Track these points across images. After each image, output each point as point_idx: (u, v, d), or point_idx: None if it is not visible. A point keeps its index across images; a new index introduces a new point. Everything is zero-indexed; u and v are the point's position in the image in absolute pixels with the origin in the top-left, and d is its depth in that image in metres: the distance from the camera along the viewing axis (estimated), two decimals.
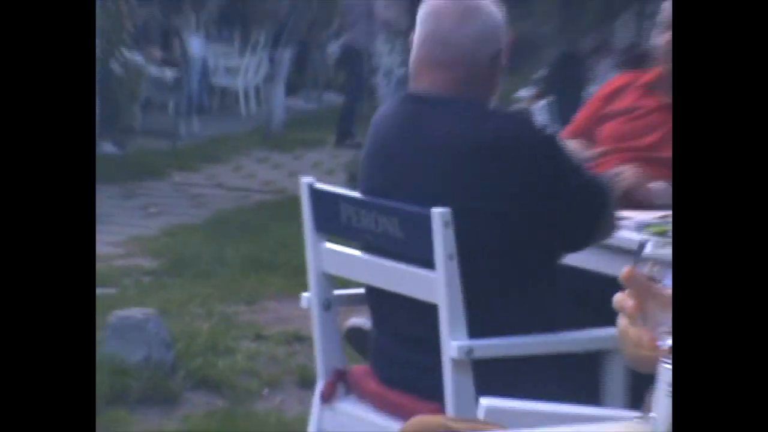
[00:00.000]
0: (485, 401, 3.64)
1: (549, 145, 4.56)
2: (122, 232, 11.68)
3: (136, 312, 7.47)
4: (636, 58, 15.19)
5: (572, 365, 4.47)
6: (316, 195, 4.68)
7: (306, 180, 4.74)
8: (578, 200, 4.54)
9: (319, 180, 13.24)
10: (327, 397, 4.78)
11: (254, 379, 7.25)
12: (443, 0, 4.56)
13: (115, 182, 14.96)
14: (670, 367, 2.03)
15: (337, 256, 4.72)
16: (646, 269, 2.35)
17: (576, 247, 4.65)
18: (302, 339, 8.04)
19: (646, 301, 2.39)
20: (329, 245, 4.74)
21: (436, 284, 4.24)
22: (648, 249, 2.81)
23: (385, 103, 4.71)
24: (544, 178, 4.45)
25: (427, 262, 4.25)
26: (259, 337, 8.29)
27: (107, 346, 7.09)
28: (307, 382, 7.16)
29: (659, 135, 5.40)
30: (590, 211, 4.58)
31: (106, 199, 13.54)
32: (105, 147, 15.88)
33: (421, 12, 4.57)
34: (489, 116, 4.58)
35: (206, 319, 8.71)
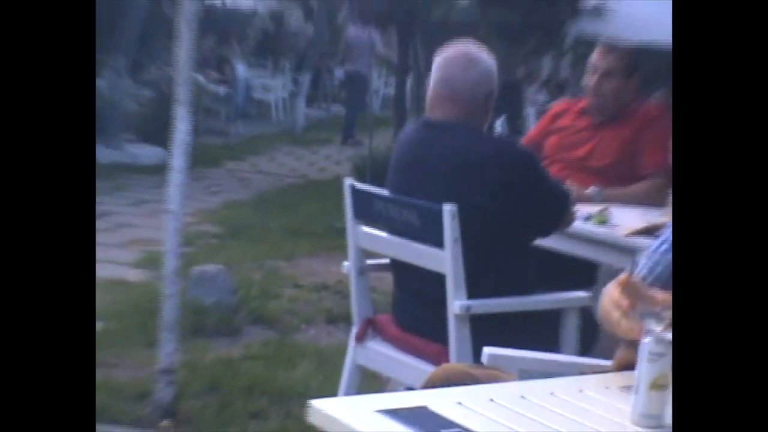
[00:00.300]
0: (487, 350, 3.55)
1: (525, 160, 4.57)
2: (193, 206, 11.64)
3: (210, 267, 7.61)
4: (555, 87, 15.04)
5: (540, 321, 4.49)
6: (355, 192, 4.67)
7: (348, 181, 4.76)
8: (547, 200, 4.60)
9: (327, 169, 13.36)
10: (360, 338, 4.78)
11: (294, 318, 7.31)
12: (452, 52, 4.56)
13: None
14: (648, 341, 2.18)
15: (369, 237, 4.72)
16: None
17: (545, 234, 4.69)
18: (328, 287, 8.20)
19: (637, 302, 2.63)
20: (364, 228, 4.72)
21: (444, 259, 4.22)
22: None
23: (408, 126, 4.74)
24: (522, 184, 4.46)
25: (438, 243, 4.22)
26: (296, 285, 8.31)
27: (190, 293, 7.06)
28: (333, 320, 7.35)
29: (589, 148, 5.44)
30: (555, 209, 4.62)
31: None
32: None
33: (437, 60, 4.60)
34: (482, 138, 4.64)
35: (257, 272, 8.68)
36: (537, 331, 4.39)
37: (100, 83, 15.10)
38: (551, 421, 2.30)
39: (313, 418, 2.42)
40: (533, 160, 4.61)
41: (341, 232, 9.49)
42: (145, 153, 14.80)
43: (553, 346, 4.35)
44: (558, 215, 4.61)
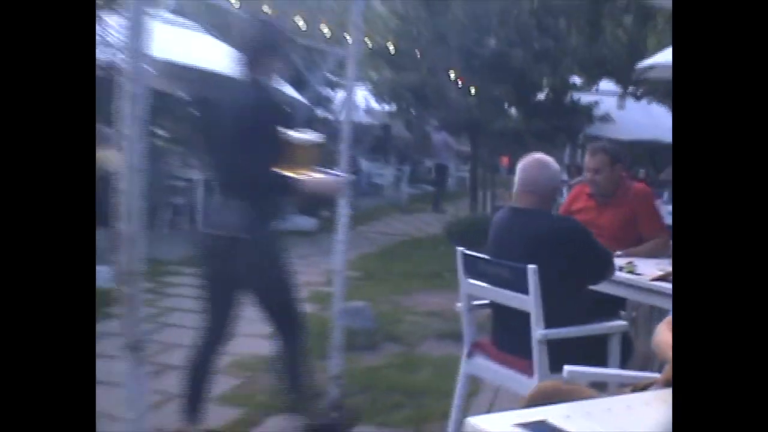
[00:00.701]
0: (567, 368, 3.56)
1: (582, 233, 4.54)
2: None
3: (356, 302, 7.45)
4: (575, 169, 14.84)
5: (594, 342, 4.42)
6: (465, 256, 4.69)
7: (459, 249, 4.72)
8: (596, 260, 4.58)
9: (424, 230, 12.95)
10: (469, 356, 4.74)
11: (414, 336, 7.29)
12: (531, 159, 4.60)
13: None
14: None
15: (475, 286, 4.66)
16: None
17: (596, 283, 4.73)
18: (436, 314, 8.12)
19: None
20: (471, 280, 4.66)
21: (528, 302, 4.20)
22: None
23: (500, 211, 4.73)
24: (580, 249, 4.46)
25: (524, 291, 4.20)
26: (413, 313, 8.22)
27: (344, 321, 7.04)
28: (442, 337, 7.23)
29: (598, 224, 5.35)
30: (602, 266, 4.61)
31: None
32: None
33: (520, 164, 4.62)
34: (553, 219, 4.66)
35: (387, 304, 8.53)
36: (592, 350, 4.37)
37: None
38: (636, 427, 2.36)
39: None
40: (587, 232, 4.56)
41: (439, 274, 9.56)
42: (304, 222, 14.65)
43: (602, 362, 4.34)
44: (604, 269, 4.61)
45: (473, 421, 2.45)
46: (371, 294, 8.85)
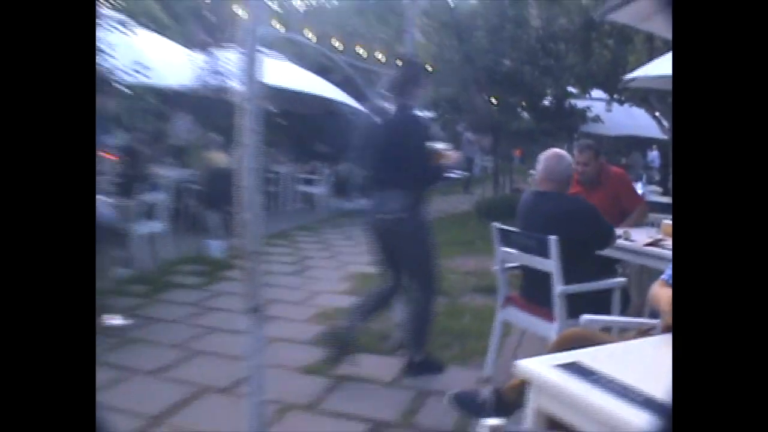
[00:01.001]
0: (585, 317, 3.51)
1: (590, 210, 4.42)
2: None
3: None
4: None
5: (601, 296, 4.30)
6: (499, 229, 4.57)
7: (494, 224, 4.63)
8: (602, 231, 4.47)
9: (459, 207, 12.60)
10: (503, 306, 4.66)
11: (457, 290, 7.13)
12: (550, 153, 4.53)
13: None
14: None
15: (507, 252, 4.57)
16: None
17: (602, 249, 4.59)
18: (472, 273, 7.94)
19: None
20: (504, 248, 4.57)
21: (551, 265, 4.13)
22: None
23: (525, 194, 4.62)
24: (589, 224, 4.37)
25: (546, 256, 4.13)
26: (455, 272, 7.94)
27: None
28: (478, 291, 7.09)
29: (593, 201, 5.00)
30: (607, 235, 4.50)
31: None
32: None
33: (541, 156, 4.53)
34: (568, 200, 4.51)
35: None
36: (599, 301, 4.24)
37: None
38: (651, 367, 2.29)
39: (517, 371, 2.38)
40: (594, 209, 4.44)
41: (472, 242, 9.38)
42: (362, 204, 14.58)
43: (607, 310, 4.25)
44: (609, 238, 4.52)
45: (522, 363, 2.39)
46: None
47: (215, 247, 8.24)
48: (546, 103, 13.79)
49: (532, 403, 2.38)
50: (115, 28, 6.42)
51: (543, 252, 4.20)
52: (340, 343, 4.15)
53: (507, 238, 4.54)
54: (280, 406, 3.99)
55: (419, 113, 4.86)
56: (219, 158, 10.34)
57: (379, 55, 15.11)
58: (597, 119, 13.82)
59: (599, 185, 5.74)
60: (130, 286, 6.57)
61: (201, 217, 10.02)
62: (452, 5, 14.51)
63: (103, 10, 6.19)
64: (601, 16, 6.09)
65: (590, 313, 3.98)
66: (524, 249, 4.41)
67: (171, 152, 11.64)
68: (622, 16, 5.33)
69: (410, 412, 4.08)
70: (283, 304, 6.31)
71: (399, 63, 5.23)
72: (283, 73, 12.18)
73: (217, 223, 9.26)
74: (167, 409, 3.87)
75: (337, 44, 14.58)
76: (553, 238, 4.11)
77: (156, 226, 7.72)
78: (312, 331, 5.51)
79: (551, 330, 4.18)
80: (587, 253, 4.47)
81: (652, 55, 10.76)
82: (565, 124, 14.12)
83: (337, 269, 8.16)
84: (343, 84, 14.42)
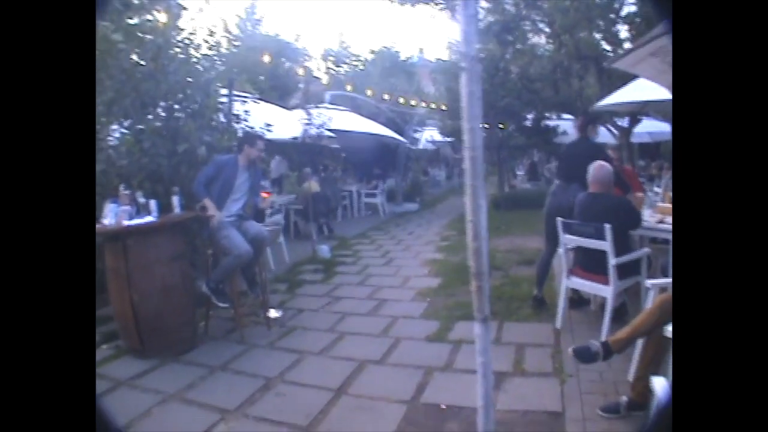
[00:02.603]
0: (649, 281, 3.33)
1: (627, 203, 4.24)
2: (449, 218, 11.27)
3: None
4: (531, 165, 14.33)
5: (634, 263, 4.14)
6: (562, 222, 4.30)
7: (559, 219, 4.35)
8: (635, 217, 4.20)
9: None
10: (567, 276, 4.40)
11: (506, 265, 6.73)
12: (597, 164, 4.28)
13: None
14: None
15: (569, 239, 4.30)
16: None
17: (634, 230, 4.33)
18: (511, 251, 7.54)
19: None
20: (566, 235, 4.31)
21: (606, 245, 3.93)
22: None
23: (581, 194, 4.37)
24: (628, 213, 4.15)
25: (603, 239, 3.93)
26: (498, 251, 7.51)
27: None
28: (520, 264, 6.73)
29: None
30: (638, 220, 4.22)
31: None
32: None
33: (591, 168, 4.27)
34: (611, 198, 4.24)
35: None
36: (633, 267, 4.14)
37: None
38: None
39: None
40: (629, 203, 4.26)
41: (499, 227, 9.01)
42: (411, 206, 14.28)
43: (638, 273, 4.17)
44: (639, 222, 4.22)
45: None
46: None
47: (324, 250, 8.04)
48: (527, 123, 13.65)
49: None
50: (253, 101, 6.29)
51: (600, 236, 4.00)
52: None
53: (568, 228, 4.30)
54: (426, 370, 3.78)
55: (594, 140, 4.96)
56: (313, 186, 10.21)
57: (412, 102, 14.86)
58: (565, 133, 13.74)
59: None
60: (274, 285, 6.39)
61: (305, 228, 9.89)
62: (455, 60, 14.32)
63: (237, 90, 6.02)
64: (608, 64, 5.78)
65: (630, 275, 4.16)
66: (583, 235, 4.18)
67: (272, 183, 11.57)
68: (620, 64, 5.06)
69: (517, 362, 3.85)
70: (389, 289, 6.10)
71: (580, 116, 5.35)
72: (346, 120, 12.21)
73: (316, 232, 9.13)
74: (345, 382, 3.66)
75: (385, 95, 14.35)
76: (607, 226, 3.94)
77: (281, 239, 7.58)
78: (419, 308, 5.29)
79: (608, 291, 4.03)
80: (625, 234, 4.25)
81: (602, 89, 10.67)
82: (542, 138, 14.04)
83: (414, 258, 7.90)
84: (387, 124, 14.23)
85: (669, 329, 2.29)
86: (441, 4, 12.40)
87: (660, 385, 2.24)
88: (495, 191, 14.96)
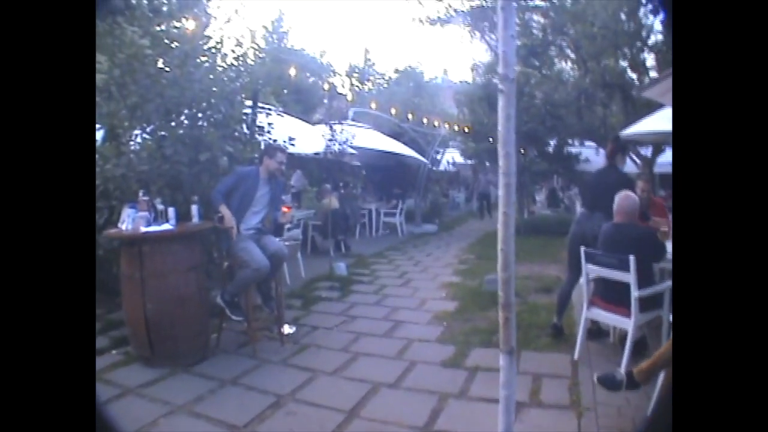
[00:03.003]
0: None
1: (652, 235, 4.18)
2: (464, 243, 11.16)
3: (491, 275, 6.77)
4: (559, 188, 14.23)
5: (661, 297, 4.02)
6: (585, 252, 4.23)
7: (583, 248, 4.28)
8: (660, 249, 4.13)
9: None
10: (588, 307, 4.30)
11: (524, 292, 6.52)
12: (623, 194, 4.20)
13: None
14: None
15: (592, 269, 4.20)
16: None
17: (657, 262, 4.26)
18: (527, 278, 7.38)
19: None
20: (589, 265, 4.21)
21: (629, 277, 3.85)
22: None
23: (606, 224, 4.28)
24: (652, 245, 4.08)
25: (627, 270, 3.85)
26: (526, 278, 7.43)
27: (488, 287, 6.60)
28: (538, 291, 6.62)
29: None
30: (662, 252, 4.14)
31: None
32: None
33: (617, 198, 4.21)
34: (637, 228, 4.17)
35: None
36: (656, 300, 4.04)
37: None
38: None
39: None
40: (654, 235, 4.18)
41: (516, 254, 8.85)
42: (429, 227, 14.16)
43: (661, 307, 4.05)
44: (663, 255, 4.14)
45: None
46: (488, 267, 8.39)
47: (341, 267, 8.00)
48: (550, 150, 13.60)
49: None
50: (276, 113, 6.30)
51: (624, 267, 3.91)
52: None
53: (591, 258, 4.22)
54: (440, 396, 3.70)
55: (623, 169, 4.94)
56: (332, 202, 10.21)
57: (435, 122, 14.85)
58: (586, 161, 13.66)
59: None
60: (289, 300, 6.34)
61: (322, 244, 9.87)
62: (480, 83, 14.35)
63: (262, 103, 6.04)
64: (638, 92, 5.73)
65: (652, 309, 4.04)
66: (606, 265, 4.09)
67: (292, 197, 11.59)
68: (649, 93, 5.01)
69: (534, 392, 3.74)
70: (405, 311, 6.03)
71: (609, 143, 5.23)
72: (368, 138, 12.21)
73: (334, 248, 9.11)
74: (358, 404, 3.58)
75: (409, 115, 14.38)
76: (632, 258, 3.84)
77: (298, 254, 7.55)
78: (435, 332, 5.19)
79: (629, 323, 3.94)
80: (649, 266, 4.16)
81: (626, 118, 10.57)
82: (564, 165, 13.99)
83: (431, 280, 7.80)
84: (409, 143, 14.23)
85: None
86: (470, 24, 12.45)
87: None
88: (517, 215, 14.89)
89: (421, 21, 12.67)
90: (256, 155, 5.07)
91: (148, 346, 4.06)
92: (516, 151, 7.50)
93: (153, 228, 4.12)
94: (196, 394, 3.65)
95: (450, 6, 12.69)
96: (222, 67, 4.91)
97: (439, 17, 12.76)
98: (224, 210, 4.41)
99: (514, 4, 1.90)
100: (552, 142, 13.51)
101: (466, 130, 14.87)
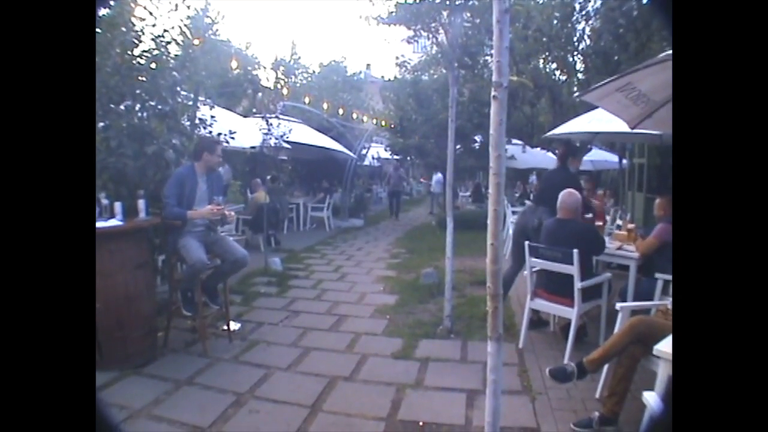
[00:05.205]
0: (619, 304, 3.50)
1: (594, 230, 4.51)
2: (391, 238, 11.27)
3: (428, 269, 6.98)
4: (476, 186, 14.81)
5: (599, 288, 4.33)
6: (529, 245, 4.46)
7: (526, 242, 4.51)
8: (600, 243, 4.46)
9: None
10: (532, 298, 4.54)
11: (460, 284, 6.52)
12: (566, 192, 4.47)
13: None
14: None
15: (534, 261, 4.44)
16: None
17: (597, 255, 4.59)
18: (462, 271, 7.51)
19: None
20: (532, 258, 4.45)
21: (573, 269, 4.10)
22: None
23: (549, 220, 4.51)
24: (593, 240, 4.38)
25: (570, 263, 4.10)
26: (460, 271, 7.64)
27: (425, 280, 6.76)
28: (473, 284, 6.84)
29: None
30: (602, 246, 4.49)
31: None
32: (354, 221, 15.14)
33: (560, 196, 4.46)
34: (579, 224, 4.47)
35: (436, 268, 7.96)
36: (595, 290, 4.32)
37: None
38: None
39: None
40: (595, 230, 4.53)
41: (444, 248, 8.99)
42: (357, 221, 14.17)
43: (599, 296, 4.37)
44: (603, 248, 4.49)
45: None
46: (421, 262, 8.57)
47: (276, 262, 7.94)
48: (476, 146, 13.91)
49: None
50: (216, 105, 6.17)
51: (567, 260, 4.15)
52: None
53: (534, 251, 4.45)
54: (397, 387, 3.80)
55: (574, 171, 5.45)
56: (262, 196, 10.09)
57: (364, 118, 14.93)
58: (512, 158, 14.10)
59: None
60: (229, 296, 6.23)
61: (252, 239, 9.74)
62: (408, 80, 14.51)
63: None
64: (578, 97, 5.99)
65: (592, 299, 4.34)
66: (549, 258, 4.33)
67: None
68: (588, 97, 5.26)
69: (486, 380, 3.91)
70: (346, 305, 6.09)
71: (561, 146, 5.93)
72: (297, 132, 12.10)
73: (264, 243, 9.02)
74: (319, 398, 3.63)
75: (340, 110, 14.34)
76: (575, 251, 4.09)
77: None
78: (380, 325, 5.30)
79: (572, 313, 4.19)
80: (589, 259, 4.45)
81: (554, 118, 11.02)
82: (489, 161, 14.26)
83: (366, 274, 7.90)
84: (337, 138, 14.23)
85: (657, 346, 2.40)
86: (418, 26, 12.58)
87: (652, 398, 2.37)
88: (440, 211, 15.18)
89: (368, 22, 12.71)
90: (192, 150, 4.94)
91: (97, 348, 3.90)
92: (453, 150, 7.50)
93: (99, 224, 3.95)
94: (152, 396, 3.54)
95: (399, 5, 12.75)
96: (169, 57, 4.76)
97: (388, 17, 12.80)
98: (195, 213, 4.32)
99: (508, 16, 1.99)
100: (478, 139, 13.83)
101: (392, 126, 15.07)
